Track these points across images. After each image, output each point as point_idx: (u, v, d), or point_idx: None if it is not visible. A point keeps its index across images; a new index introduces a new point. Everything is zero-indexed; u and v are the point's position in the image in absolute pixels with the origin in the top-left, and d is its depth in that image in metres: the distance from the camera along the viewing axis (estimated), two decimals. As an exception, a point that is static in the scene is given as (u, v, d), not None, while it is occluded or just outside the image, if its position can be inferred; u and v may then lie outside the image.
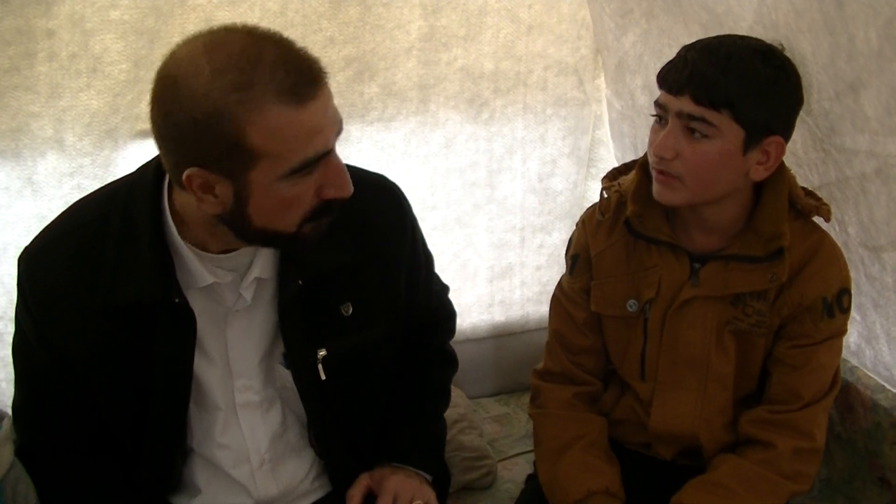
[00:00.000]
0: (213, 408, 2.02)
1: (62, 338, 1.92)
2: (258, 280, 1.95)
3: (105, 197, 1.95)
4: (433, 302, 2.34)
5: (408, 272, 2.15)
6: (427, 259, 2.27)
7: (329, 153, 1.73)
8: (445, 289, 2.44)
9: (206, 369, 1.99)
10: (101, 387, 1.96)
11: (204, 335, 1.96)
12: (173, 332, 1.91)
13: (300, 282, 1.93)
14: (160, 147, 1.73)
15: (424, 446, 2.24)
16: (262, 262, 1.93)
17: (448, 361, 2.41)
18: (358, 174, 2.00)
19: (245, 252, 1.91)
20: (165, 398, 1.96)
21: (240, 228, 1.77)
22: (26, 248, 1.96)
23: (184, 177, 1.68)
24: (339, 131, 1.74)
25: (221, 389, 2.01)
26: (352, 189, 1.78)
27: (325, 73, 1.69)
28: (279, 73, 1.62)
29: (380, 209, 2.08)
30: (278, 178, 1.68)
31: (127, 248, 1.86)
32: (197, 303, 1.91)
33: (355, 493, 2.11)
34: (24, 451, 2.05)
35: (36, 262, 1.93)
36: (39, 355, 1.96)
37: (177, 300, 1.86)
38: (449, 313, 2.45)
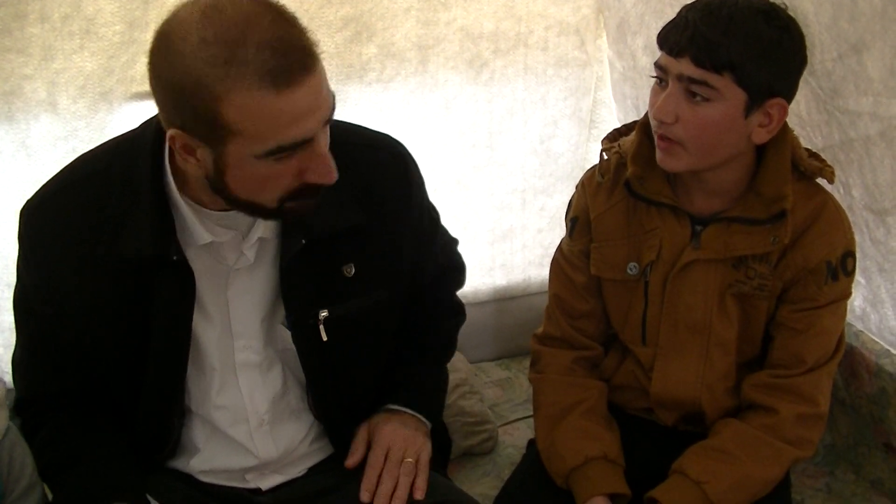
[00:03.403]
0: (209, 368, 2.02)
1: (62, 290, 1.93)
2: (261, 239, 1.93)
3: (107, 152, 1.95)
4: (440, 259, 2.33)
5: (413, 234, 2.13)
6: (432, 216, 2.27)
7: (311, 141, 1.69)
8: (454, 241, 2.43)
9: (205, 329, 1.99)
10: (98, 342, 1.96)
11: (204, 294, 1.96)
12: (173, 291, 1.91)
13: (303, 241, 1.91)
14: (155, 101, 1.73)
15: (423, 390, 2.25)
16: (266, 222, 1.91)
17: (456, 311, 2.42)
18: (362, 134, 2.04)
19: None
20: (163, 358, 1.96)
21: (222, 194, 1.76)
22: (28, 200, 1.97)
23: (167, 136, 1.69)
24: (327, 118, 1.71)
25: (219, 350, 2.01)
26: (335, 177, 1.75)
27: (315, 60, 1.65)
28: (264, 54, 1.58)
29: (384, 171, 2.07)
30: (254, 157, 1.66)
31: (128, 201, 1.85)
32: (198, 261, 1.90)
33: (358, 447, 2.11)
34: (22, 405, 2.07)
35: (37, 213, 1.94)
36: (39, 308, 1.97)
37: (175, 258, 1.86)
38: (457, 266, 2.44)
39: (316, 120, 1.67)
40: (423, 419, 2.19)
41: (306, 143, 1.68)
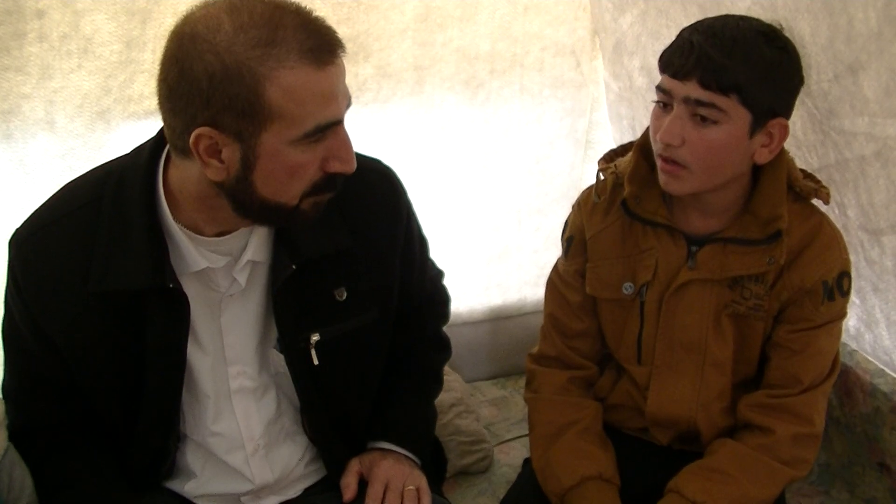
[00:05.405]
0: (202, 396, 2.01)
1: (53, 324, 1.91)
2: (252, 263, 1.93)
3: (97, 180, 1.92)
4: (427, 287, 2.33)
5: (402, 258, 2.13)
6: (422, 244, 2.26)
7: (339, 123, 1.73)
8: (440, 274, 2.42)
9: (198, 357, 1.98)
10: (92, 373, 1.95)
11: (197, 322, 1.94)
12: (166, 318, 1.89)
13: (293, 266, 1.91)
14: (168, 110, 1.70)
15: (414, 429, 2.23)
16: (256, 245, 1.91)
17: (442, 347, 2.40)
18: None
19: (239, 235, 1.89)
20: (158, 385, 1.95)
21: (241, 199, 1.75)
22: (17, 230, 1.94)
23: (191, 138, 1.66)
24: (348, 104, 1.75)
25: (212, 377, 2.00)
26: (355, 165, 1.77)
27: (342, 42, 1.70)
28: (301, 34, 1.63)
29: (375, 194, 2.06)
30: (288, 143, 1.67)
31: (119, 233, 1.84)
32: (190, 288, 1.89)
33: (350, 482, 2.09)
34: (16, 433, 2.05)
35: (27, 246, 1.91)
36: (29, 339, 1.95)
37: (171, 285, 1.84)
38: (443, 299, 2.43)
39: (344, 101, 1.72)
40: (415, 458, 2.19)
41: (335, 125, 1.71)
